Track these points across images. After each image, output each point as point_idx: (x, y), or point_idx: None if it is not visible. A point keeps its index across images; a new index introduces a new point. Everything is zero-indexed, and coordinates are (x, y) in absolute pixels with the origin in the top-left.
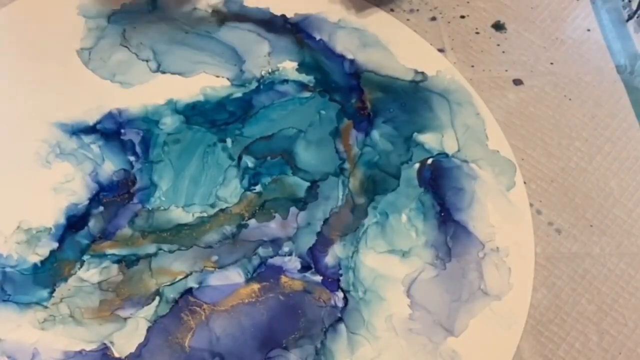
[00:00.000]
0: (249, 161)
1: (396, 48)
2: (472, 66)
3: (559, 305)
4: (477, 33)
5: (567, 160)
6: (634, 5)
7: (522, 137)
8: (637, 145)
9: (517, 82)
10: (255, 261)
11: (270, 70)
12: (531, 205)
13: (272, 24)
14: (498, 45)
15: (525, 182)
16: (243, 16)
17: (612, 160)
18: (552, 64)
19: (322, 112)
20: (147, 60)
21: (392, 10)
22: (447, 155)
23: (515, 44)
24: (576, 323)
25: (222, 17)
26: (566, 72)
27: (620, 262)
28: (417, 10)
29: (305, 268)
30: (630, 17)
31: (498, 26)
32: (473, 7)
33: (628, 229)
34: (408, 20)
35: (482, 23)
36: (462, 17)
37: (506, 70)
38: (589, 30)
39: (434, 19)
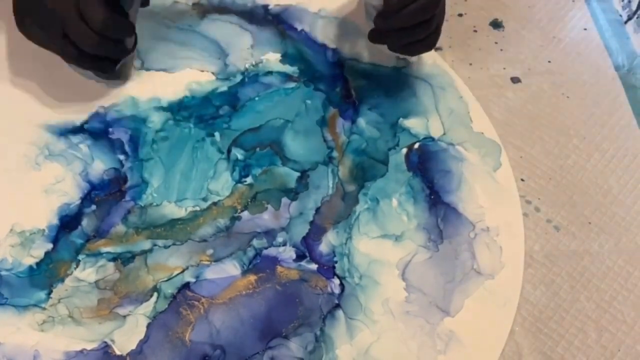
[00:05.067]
0: (238, 154)
1: None
2: (470, 64)
3: (558, 303)
4: (475, 31)
5: (565, 158)
6: (634, 6)
7: (520, 135)
8: (634, 142)
9: (515, 80)
10: (251, 253)
11: (254, 63)
12: (530, 202)
13: (254, 16)
14: (496, 43)
15: (523, 180)
16: (224, 8)
17: (610, 158)
18: (550, 62)
19: (308, 101)
20: None
21: None
22: (433, 139)
23: (513, 42)
24: (575, 320)
25: (203, 10)
26: (564, 70)
27: (619, 259)
28: None
29: (300, 257)
30: (630, 18)
31: (496, 24)
32: (471, 5)
33: (626, 225)
34: None
35: (480, 21)
36: (460, 15)
37: (504, 69)
38: (585, 29)
39: None
